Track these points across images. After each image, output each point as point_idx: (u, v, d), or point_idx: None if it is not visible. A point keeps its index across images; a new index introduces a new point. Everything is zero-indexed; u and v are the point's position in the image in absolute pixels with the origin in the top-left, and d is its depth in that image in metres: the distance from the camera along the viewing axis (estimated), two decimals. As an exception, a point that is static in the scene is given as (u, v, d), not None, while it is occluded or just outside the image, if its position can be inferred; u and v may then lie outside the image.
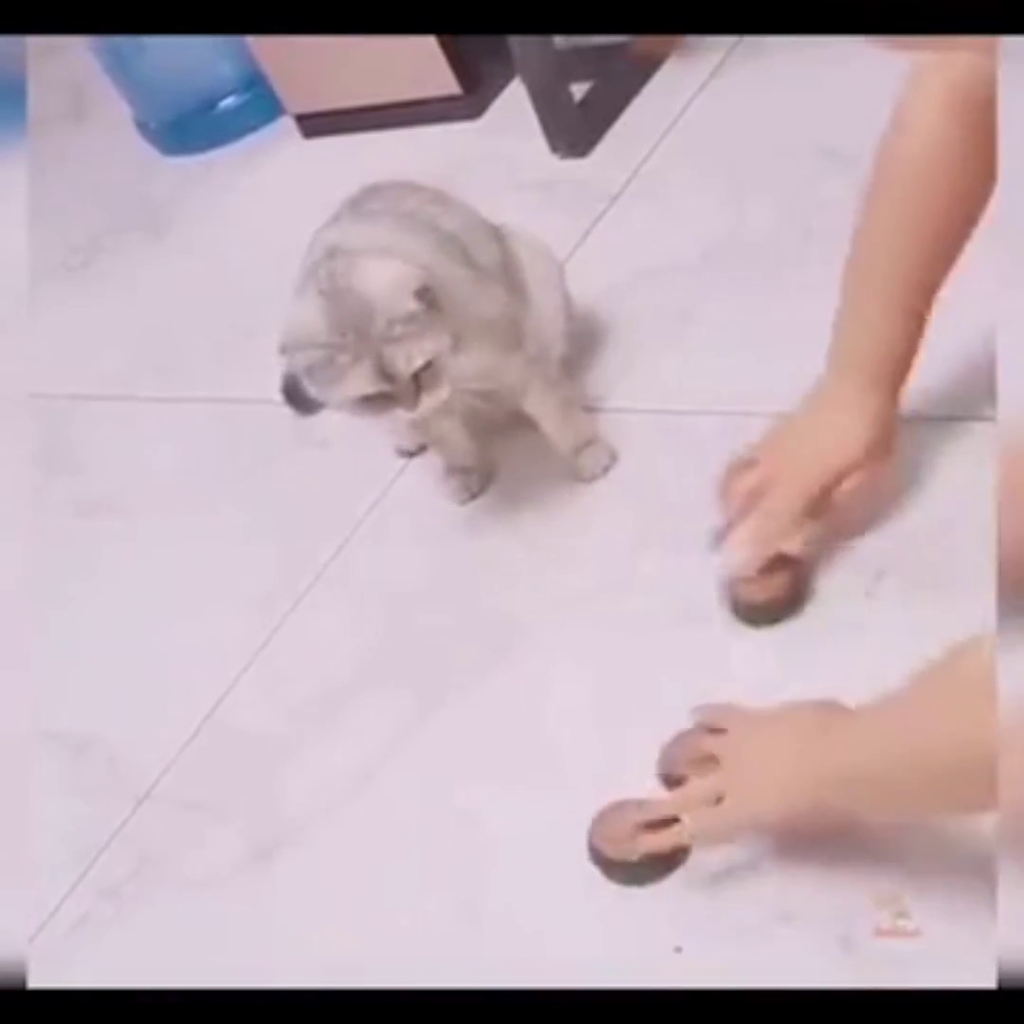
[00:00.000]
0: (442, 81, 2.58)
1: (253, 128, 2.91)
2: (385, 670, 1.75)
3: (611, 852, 1.42)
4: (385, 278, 1.59)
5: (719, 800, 1.33)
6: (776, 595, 1.57)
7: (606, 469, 1.82)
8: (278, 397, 2.00)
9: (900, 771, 1.16)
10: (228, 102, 2.94)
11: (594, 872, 1.43)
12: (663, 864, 1.39)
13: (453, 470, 1.89)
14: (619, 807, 1.43)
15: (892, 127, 1.48)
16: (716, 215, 2.11)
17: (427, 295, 1.59)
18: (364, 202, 1.77)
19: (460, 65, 2.56)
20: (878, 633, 1.49)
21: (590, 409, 1.89)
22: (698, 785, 1.37)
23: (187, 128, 2.96)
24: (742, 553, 1.57)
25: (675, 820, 1.36)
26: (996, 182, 1.39)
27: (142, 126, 3.06)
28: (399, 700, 1.71)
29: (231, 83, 2.92)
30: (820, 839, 1.31)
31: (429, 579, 1.83)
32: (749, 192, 2.11)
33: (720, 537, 1.61)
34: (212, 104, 2.95)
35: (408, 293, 1.58)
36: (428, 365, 1.60)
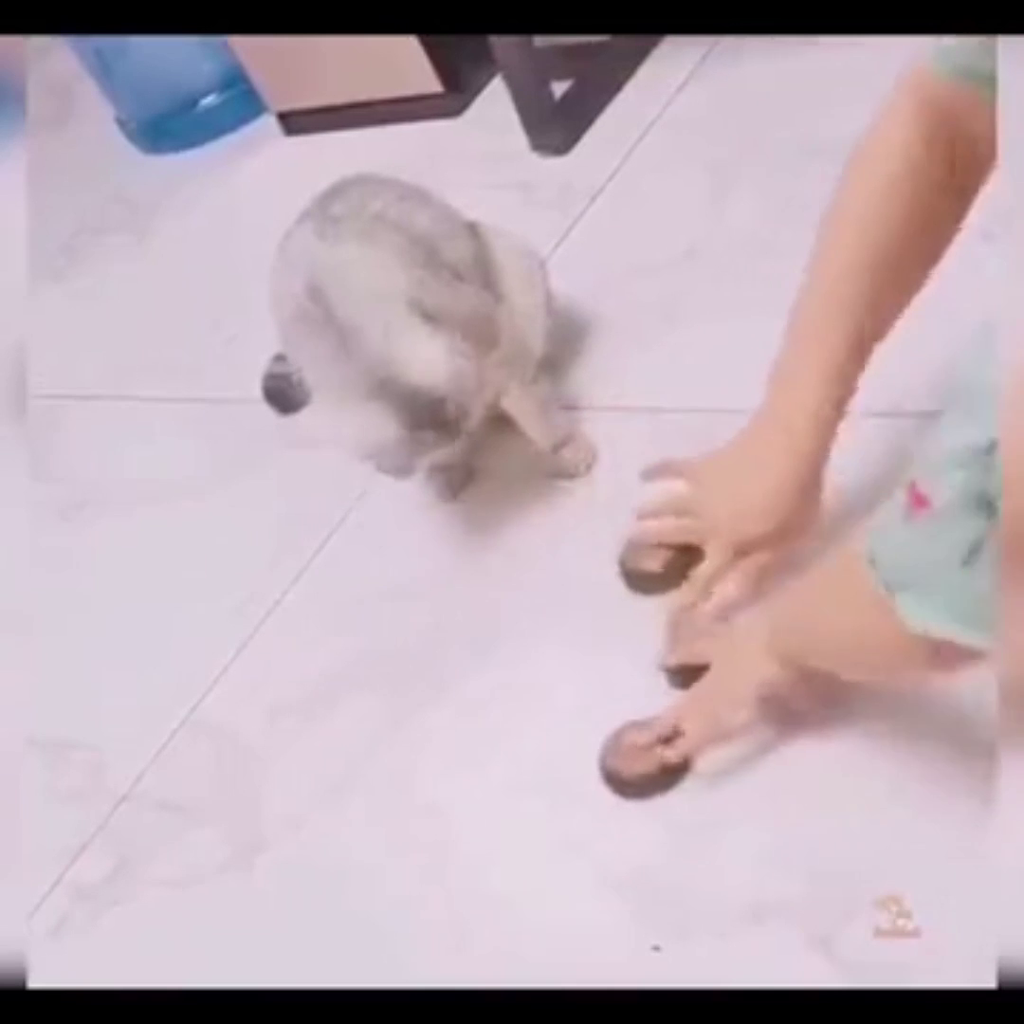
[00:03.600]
0: (423, 79, 2.58)
1: (235, 126, 2.91)
2: (366, 671, 1.75)
3: (625, 771, 1.48)
4: (441, 368, 1.63)
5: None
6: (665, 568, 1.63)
7: (587, 467, 1.82)
8: (259, 396, 2.00)
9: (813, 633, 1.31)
10: (210, 100, 2.93)
11: (574, 873, 1.43)
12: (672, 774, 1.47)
13: (434, 469, 1.89)
14: (625, 730, 1.50)
15: (863, 139, 1.47)
16: (697, 213, 2.11)
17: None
18: (330, 205, 1.74)
19: (441, 63, 2.57)
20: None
21: (572, 407, 1.89)
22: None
23: (169, 126, 2.96)
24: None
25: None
26: (963, 211, 1.38)
27: (123, 125, 3.05)
28: (380, 701, 1.70)
29: (213, 81, 2.91)
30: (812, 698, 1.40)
31: (410, 578, 1.83)
32: (730, 190, 2.11)
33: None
34: (194, 102, 2.94)
35: (467, 378, 1.64)
36: None
